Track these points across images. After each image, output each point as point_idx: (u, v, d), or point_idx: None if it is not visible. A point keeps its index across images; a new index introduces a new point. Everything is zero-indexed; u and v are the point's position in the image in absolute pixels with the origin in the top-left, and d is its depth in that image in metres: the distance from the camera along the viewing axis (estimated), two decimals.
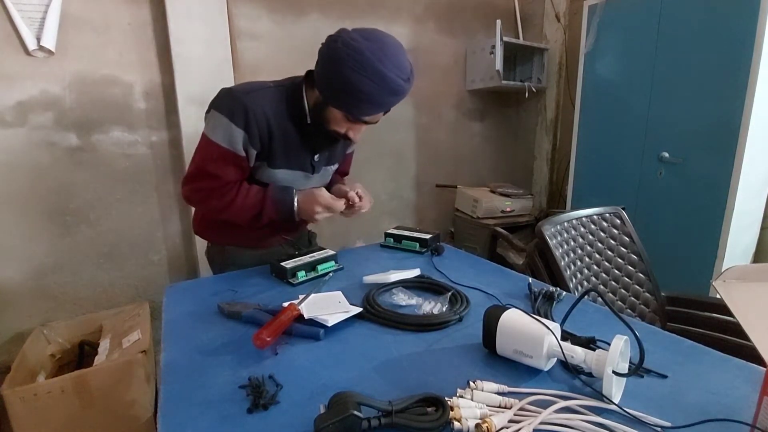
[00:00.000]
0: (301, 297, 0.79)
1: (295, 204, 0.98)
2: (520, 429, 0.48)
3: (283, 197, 0.98)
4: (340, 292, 0.85)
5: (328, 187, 1.12)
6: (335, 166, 1.18)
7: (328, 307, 0.78)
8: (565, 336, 0.65)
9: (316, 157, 1.06)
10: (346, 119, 0.93)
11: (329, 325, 0.72)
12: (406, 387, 0.57)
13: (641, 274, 1.32)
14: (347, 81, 0.83)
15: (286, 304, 0.75)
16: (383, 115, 0.95)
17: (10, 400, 1.27)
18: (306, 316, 0.74)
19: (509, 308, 0.64)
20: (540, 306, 0.80)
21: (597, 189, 2.38)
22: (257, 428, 0.50)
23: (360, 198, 1.05)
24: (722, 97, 1.78)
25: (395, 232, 1.25)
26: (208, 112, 0.96)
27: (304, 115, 0.97)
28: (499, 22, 2.43)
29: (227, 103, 0.92)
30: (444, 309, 0.79)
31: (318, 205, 0.98)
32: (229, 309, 0.80)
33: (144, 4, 1.77)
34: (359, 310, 0.78)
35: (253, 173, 1.01)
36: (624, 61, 2.17)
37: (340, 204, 1.01)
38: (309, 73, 0.97)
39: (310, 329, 0.72)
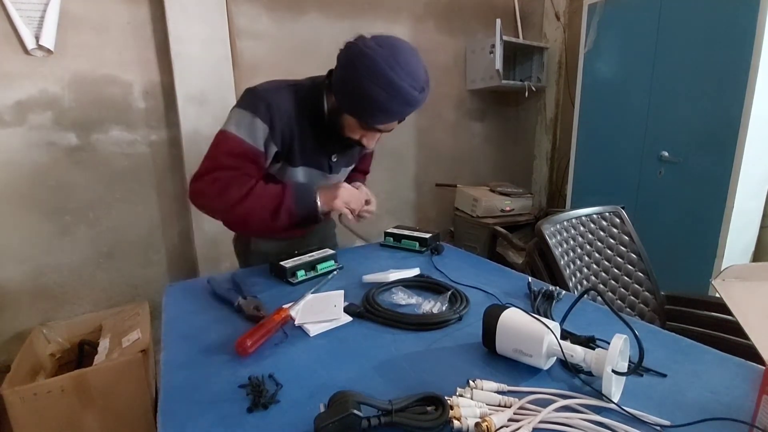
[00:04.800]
0: (300, 301, 0.79)
1: (317, 196, 0.96)
2: (519, 428, 0.48)
3: (305, 188, 0.97)
4: (342, 292, 0.85)
5: None
6: (353, 167, 1.20)
7: (323, 310, 0.78)
8: (565, 335, 0.65)
9: (333, 157, 1.07)
10: (360, 126, 0.93)
11: (310, 335, 0.72)
12: (405, 386, 0.57)
13: (641, 273, 1.32)
14: (360, 89, 0.83)
15: (286, 306, 0.75)
16: (398, 124, 0.95)
17: (10, 399, 1.27)
18: (297, 323, 0.74)
19: (509, 307, 0.64)
20: (539, 305, 0.80)
21: (597, 188, 2.38)
22: (257, 427, 0.50)
23: (368, 202, 1.07)
24: (722, 97, 1.78)
25: (395, 231, 1.25)
26: (231, 112, 0.95)
27: (323, 116, 0.97)
28: (498, 21, 2.43)
29: (250, 100, 0.92)
30: (444, 308, 0.79)
31: (340, 194, 0.98)
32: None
33: (143, 3, 1.76)
34: (349, 319, 0.77)
35: (274, 174, 1.02)
36: (624, 61, 2.16)
37: (362, 196, 1.04)
38: (330, 72, 0.96)
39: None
